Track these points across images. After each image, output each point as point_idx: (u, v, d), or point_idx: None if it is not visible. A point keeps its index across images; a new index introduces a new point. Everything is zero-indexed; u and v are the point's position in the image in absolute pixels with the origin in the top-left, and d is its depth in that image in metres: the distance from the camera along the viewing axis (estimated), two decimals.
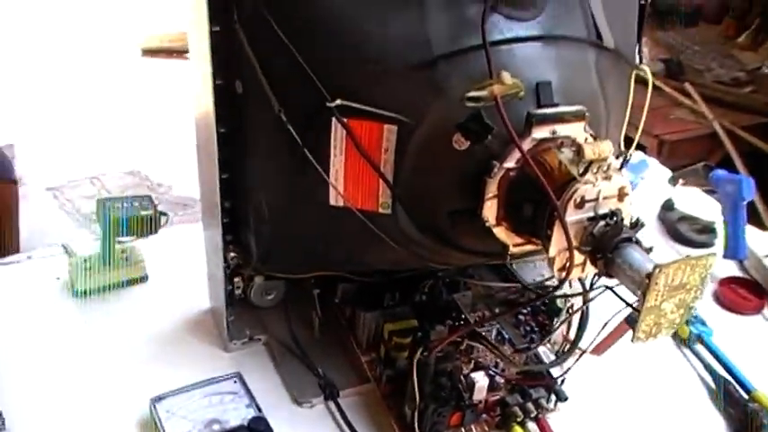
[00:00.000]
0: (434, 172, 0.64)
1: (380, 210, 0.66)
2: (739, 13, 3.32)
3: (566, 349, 0.75)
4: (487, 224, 0.62)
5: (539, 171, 0.57)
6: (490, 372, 0.74)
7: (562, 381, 0.77)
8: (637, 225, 0.60)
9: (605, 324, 0.70)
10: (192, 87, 0.74)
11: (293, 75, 0.63)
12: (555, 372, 0.76)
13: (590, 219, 0.58)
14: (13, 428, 0.73)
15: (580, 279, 0.65)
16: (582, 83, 0.66)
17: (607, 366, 0.78)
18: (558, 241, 0.58)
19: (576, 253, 0.58)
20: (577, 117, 0.61)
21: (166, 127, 2.78)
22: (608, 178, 0.58)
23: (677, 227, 1.15)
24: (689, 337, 0.90)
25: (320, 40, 0.63)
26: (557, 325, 0.79)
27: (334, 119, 0.63)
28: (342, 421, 0.76)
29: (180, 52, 3.56)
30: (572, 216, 0.57)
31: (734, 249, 1.04)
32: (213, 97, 0.68)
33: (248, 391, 0.76)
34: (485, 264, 0.84)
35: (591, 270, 0.60)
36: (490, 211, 0.62)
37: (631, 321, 0.62)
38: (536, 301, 0.81)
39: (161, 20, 3.81)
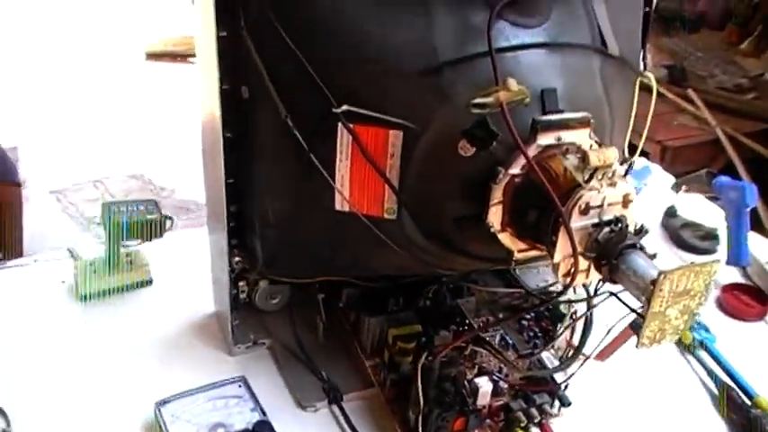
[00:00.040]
0: (440, 178, 0.64)
1: (386, 215, 0.66)
2: (742, 20, 3.32)
3: (569, 355, 0.75)
4: (492, 230, 0.63)
5: (544, 177, 0.58)
6: (494, 377, 0.74)
7: (565, 386, 0.77)
8: (641, 231, 0.60)
9: (609, 330, 0.70)
10: (199, 92, 0.75)
11: (300, 80, 0.63)
12: (558, 377, 0.76)
13: (595, 225, 0.58)
14: (18, 431, 0.73)
15: (584, 285, 0.65)
16: (587, 90, 0.67)
17: (610, 372, 0.78)
18: (562, 247, 0.58)
19: (580, 259, 0.58)
20: (582, 124, 0.61)
21: (169, 131, 2.79)
22: (613, 185, 0.58)
23: (680, 233, 1.15)
24: (692, 344, 0.90)
25: (326, 45, 0.64)
26: (560, 330, 0.79)
27: (340, 124, 0.63)
28: (346, 425, 0.76)
29: (184, 56, 3.57)
30: (577, 222, 0.58)
31: (737, 256, 1.04)
32: (220, 102, 0.68)
33: (253, 395, 0.76)
34: (489, 269, 0.84)
35: (595, 276, 0.60)
36: (495, 216, 0.62)
37: (635, 327, 0.62)
38: (540, 306, 0.81)
39: (165, 24, 3.83)
